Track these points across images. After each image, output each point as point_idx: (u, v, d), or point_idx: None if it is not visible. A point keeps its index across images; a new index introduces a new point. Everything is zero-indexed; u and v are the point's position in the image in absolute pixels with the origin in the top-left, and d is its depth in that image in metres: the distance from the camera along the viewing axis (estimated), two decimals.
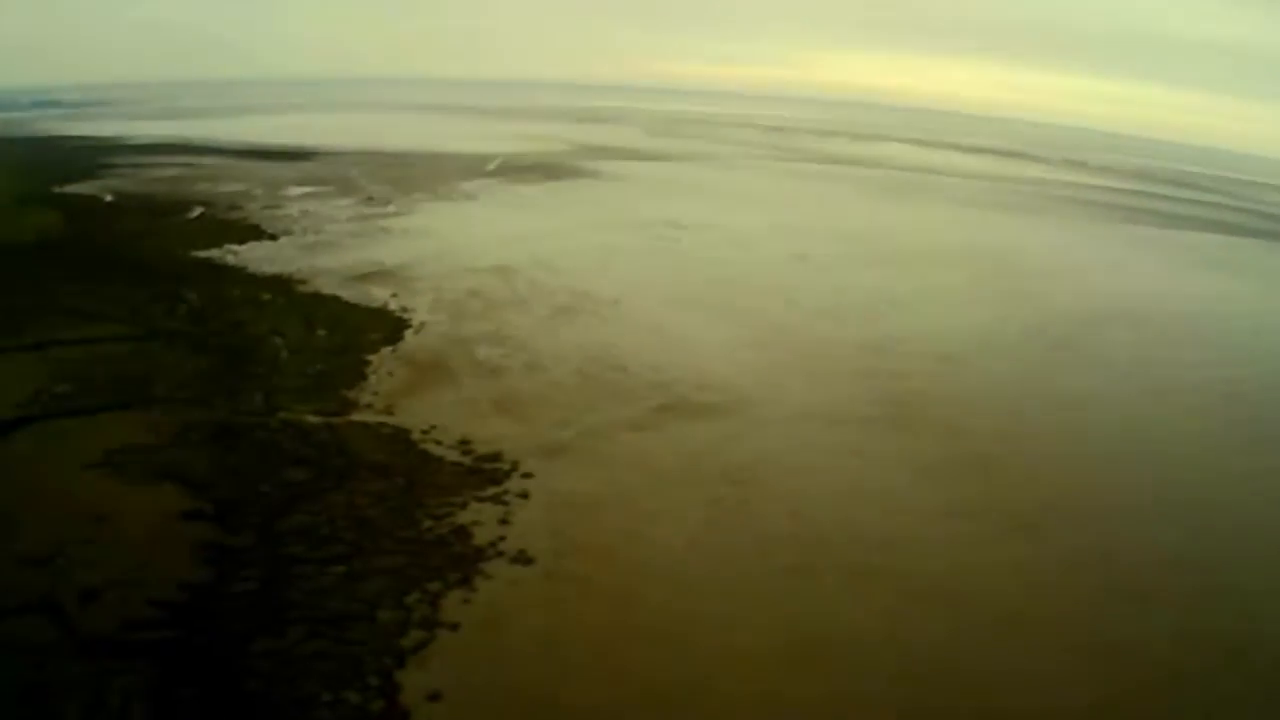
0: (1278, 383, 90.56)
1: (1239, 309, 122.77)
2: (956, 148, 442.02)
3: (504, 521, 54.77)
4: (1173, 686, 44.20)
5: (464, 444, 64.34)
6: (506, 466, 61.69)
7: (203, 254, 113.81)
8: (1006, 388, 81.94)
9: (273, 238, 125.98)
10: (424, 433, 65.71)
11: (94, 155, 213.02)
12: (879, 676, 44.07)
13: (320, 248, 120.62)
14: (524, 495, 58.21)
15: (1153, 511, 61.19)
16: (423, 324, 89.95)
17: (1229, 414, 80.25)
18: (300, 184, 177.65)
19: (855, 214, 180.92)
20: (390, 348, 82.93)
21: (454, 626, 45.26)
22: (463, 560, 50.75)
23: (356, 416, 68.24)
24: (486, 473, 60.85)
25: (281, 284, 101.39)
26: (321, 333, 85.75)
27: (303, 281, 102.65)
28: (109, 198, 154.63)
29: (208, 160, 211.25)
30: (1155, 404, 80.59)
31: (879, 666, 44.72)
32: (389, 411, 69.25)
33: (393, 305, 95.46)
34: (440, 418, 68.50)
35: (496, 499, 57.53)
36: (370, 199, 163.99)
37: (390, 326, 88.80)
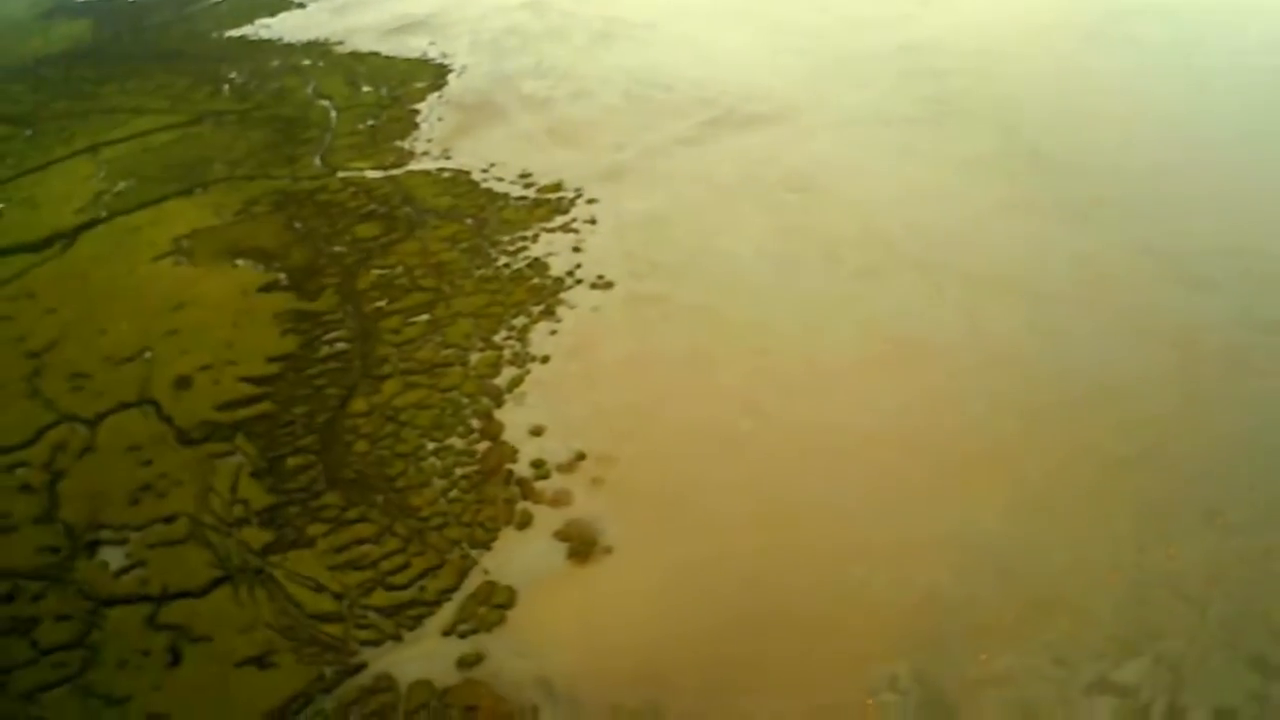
0: None
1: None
2: None
3: (577, 249, 51.98)
4: (1236, 370, 41.29)
5: (525, 177, 61.11)
6: (570, 194, 58.52)
7: (235, 33, 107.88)
8: (1045, 79, 76.04)
9: (301, 5, 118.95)
10: (484, 171, 62.47)
11: None
12: (963, 371, 41.55)
13: (351, 7, 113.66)
14: (591, 221, 55.24)
15: (1206, 200, 56.61)
16: (464, 67, 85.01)
17: (1266, 99, 74.09)
18: None
19: None
20: (437, 94, 78.46)
21: (545, 359, 43.14)
22: (543, 292, 48.27)
23: (415, 165, 65.01)
24: (552, 203, 57.79)
25: (319, 49, 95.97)
26: (366, 89, 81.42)
27: (339, 42, 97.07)
28: None
29: None
30: (1197, 92, 74.35)
31: (961, 360, 42.18)
32: (446, 156, 65.88)
33: (432, 53, 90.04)
34: (497, 154, 65.06)
35: (566, 227, 54.65)
36: None
37: (433, 73, 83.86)
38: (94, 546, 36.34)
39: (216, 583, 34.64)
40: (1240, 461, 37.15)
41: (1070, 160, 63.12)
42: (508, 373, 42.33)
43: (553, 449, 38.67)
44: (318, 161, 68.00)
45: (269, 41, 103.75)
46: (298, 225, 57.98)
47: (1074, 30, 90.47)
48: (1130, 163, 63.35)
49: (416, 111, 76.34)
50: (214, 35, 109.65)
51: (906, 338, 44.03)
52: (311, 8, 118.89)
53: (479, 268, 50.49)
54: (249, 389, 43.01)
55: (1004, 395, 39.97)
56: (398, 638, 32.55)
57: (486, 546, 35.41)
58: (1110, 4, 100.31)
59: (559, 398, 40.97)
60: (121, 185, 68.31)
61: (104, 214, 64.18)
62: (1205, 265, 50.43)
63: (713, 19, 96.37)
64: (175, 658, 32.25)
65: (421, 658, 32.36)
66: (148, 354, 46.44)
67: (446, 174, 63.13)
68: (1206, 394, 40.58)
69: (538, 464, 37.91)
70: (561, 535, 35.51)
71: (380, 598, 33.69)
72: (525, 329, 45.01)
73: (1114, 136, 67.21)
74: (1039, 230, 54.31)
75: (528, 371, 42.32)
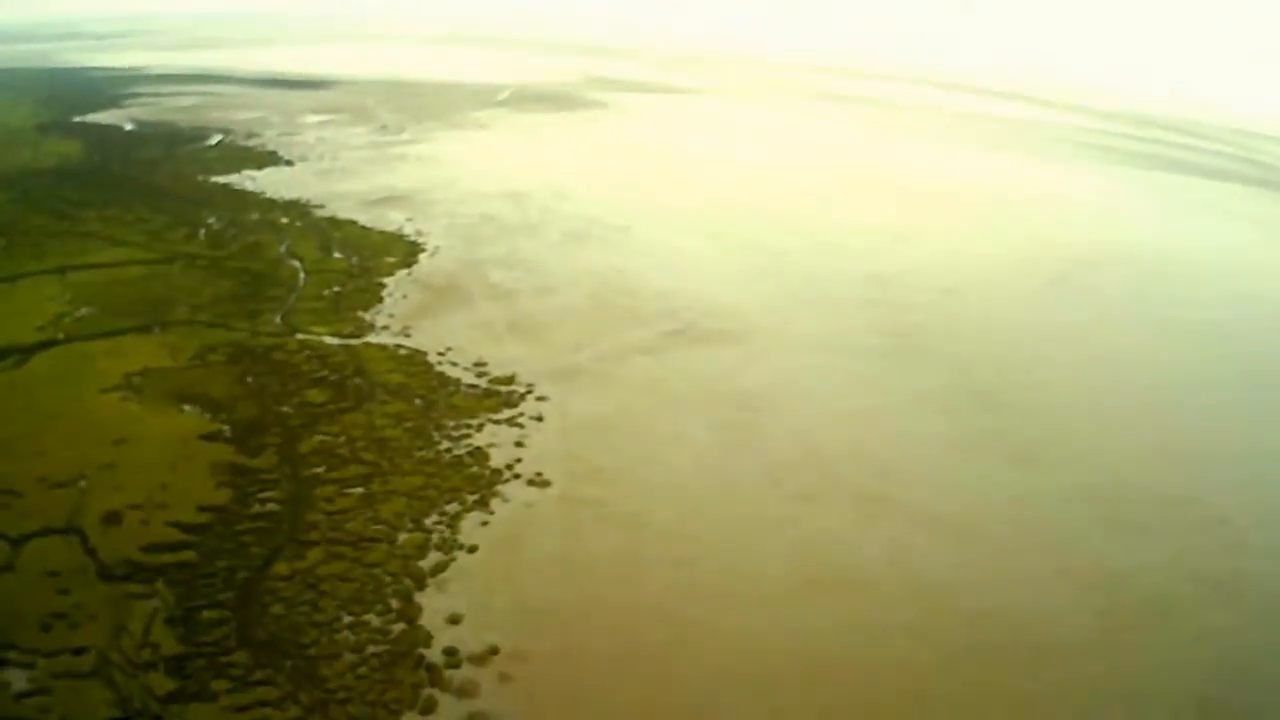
0: (1273, 325, 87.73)
1: (1232, 253, 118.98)
2: (968, 89, 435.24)
3: (519, 444, 52.88)
4: (1164, 616, 42.72)
5: (479, 366, 62.32)
6: (522, 389, 59.69)
7: (221, 179, 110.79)
8: (1006, 321, 79.66)
9: (290, 164, 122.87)
10: (440, 354, 63.69)
11: (115, 85, 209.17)
12: (884, 604, 42.48)
13: (336, 173, 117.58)
14: (538, 418, 56.28)
15: (1149, 445, 59.32)
16: (437, 248, 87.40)
17: (1222, 350, 77.97)
18: (317, 112, 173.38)
19: (857, 150, 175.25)
20: (406, 271, 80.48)
21: (472, 549, 43.52)
22: (480, 482, 48.94)
23: (374, 338, 66.18)
24: (502, 395, 58.87)
25: (299, 208, 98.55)
26: (338, 256, 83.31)
27: (320, 206, 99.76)
28: (129, 126, 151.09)
29: (226, 89, 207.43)
30: (1151, 340, 78.37)
31: (884, 594, 43.13)
32: (405, 334, 67.14)
33: (408, 229, 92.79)
34: (456, 340, 66.43)
35: (512, 421, 55.63)
36: (384, 127, 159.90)
37: (405, 250, 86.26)
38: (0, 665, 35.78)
39: None
40: (1154, 708, 37.91)
41: (1019, 402, 65.54)
42: (434, 557, 42.56)
43: (467, 639, 38.68)
44: (279, 320, 69.03)
45: (252, 193, 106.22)
46: (249, 380, 58.58)
47: (1037, 275, 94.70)
48: (1078, 408, 65.91)
49: (383, 285, 77.92)
50: (199, 178, 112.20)
51: (834, 565, 44.95)
52: (299, 167, 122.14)
53: (420, 449, 51.15)
54: (176, 534, 42.91)
55: (924, 631, 40.69)
56: None
57: None
58: (1075, 251, 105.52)
59: (481, 589, 41.15)
60: (84, 311, 68.78)
61: (62, 337, 64.50)
62: (1141, 513, 52.23)
63: (686, 230, 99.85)
64: None
65: None
66: (82, 483, 46.32)
67: (403, 351, 64.24)
68: (1127, 641, 41.49)
69: (450, 652, 37.88)
70: None
71: None
72: (457, 516, 45.44)
73: (1065, 382, 69.98)
74: (980, 470, 55.96)
75: (454, 559, 42.56)
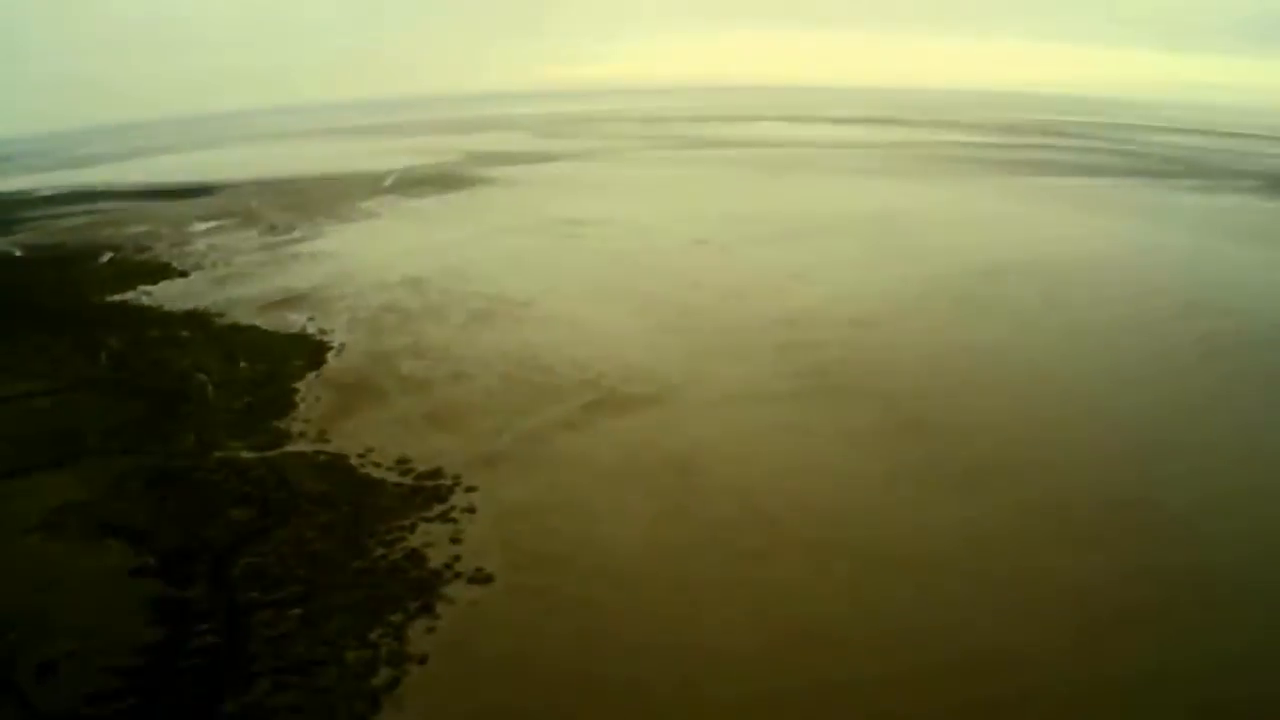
0: (1176, 313, 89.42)
1: (1122, 246, 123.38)
2: (828, 120, 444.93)
3: (455, 540, 50.79)
4: (1140, 625, 42.00)
5: (403, 463, 60.07)
6: (449, 482, 57.62)
7: (117, 298, 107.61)
8: (921, 346, 79.84)
9: (184, 274, 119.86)
10: (361, 456, 61.31)
11: None
12: (852, 655, 41.15)
13: (232, 279, 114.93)
14: (470, 510, 54.25)
15: (1088, 455, 59.33)
16: (343, 345, 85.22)
17: (1136, 345, 79.12)
18: (204, 219, 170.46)
19: (741, 194, 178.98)
20: (314, 372, 78.09)
21: (422, 659, 41.27)
22: (421, 586, 46.71)
23: (291, 447, 63.60)
24: (429, 490, 56.73)
25: (198, 319, 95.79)
26: (244, 364, 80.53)
27: (219, 315, 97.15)
28: (18, 252, 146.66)
29: (112, 205, 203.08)
30: (1066, 345, 79.31)
31: (850, 644, 41.83)
32: (323, 439, 64.66)
33: (310, 329, 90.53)
34: (375, 439, 64.10)
35: (444, 517, 53.51)
36: (274, 227, 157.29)
37: (311, 350, 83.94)
38: None
39: None
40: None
41: (951, 426, 65.22)
42: (384, 673, 40.22)
43: None
44: (192, 439, 65.98)
45: (150, 309, 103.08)
46: (170, 506, 55.69)
47: (943, 295, 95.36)
48: (1009, 424, 65.84)
49: (295, 390, 75.32)
50: (95, 299, 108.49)
51: (797, 623, 43.45)
52: (194, 276, 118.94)
53: (355, 559, 48.80)
54: (115, 681, 40.07)
55: (901, 685, 39.26)
56: None
57: None
58: (974, 265, 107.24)
59: (437, 702, 38.93)
60: None
61: None
62: (1092, 522, 51.62)
63: (589, 297, 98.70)
64: None
65: None
66: (11, 635, 43.27)
67: (323, 457, 61.77)
68: (1103, 651, 40.53)
69: None
70: None
71: None
72: (402, 626, 43.16)
73: (991, 398, 70.09)
74: (924, 499, 55.16)
75: (405, 672, 40.26)
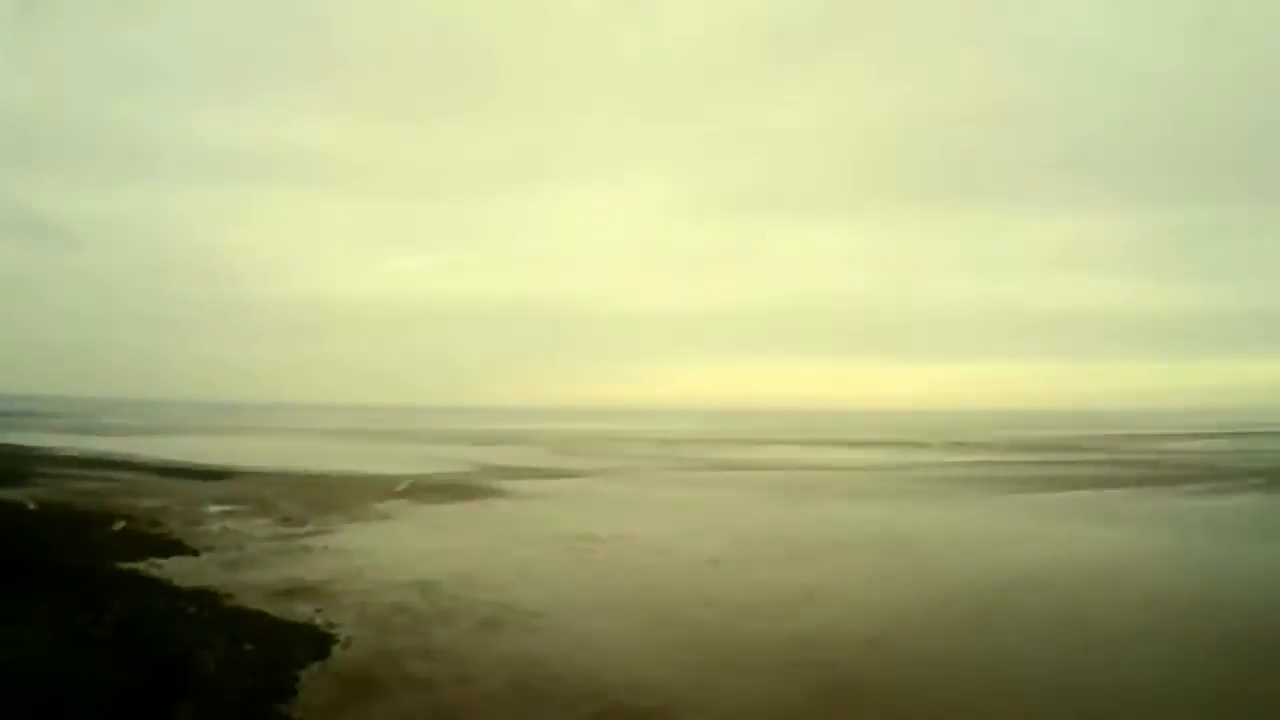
0: (1192, 614, 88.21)
1: (1136, 555, 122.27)
2: (841, 443, 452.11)
3: None
4: None
5: None
6: None
7: (127, 565, 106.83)
8: (934, 665, 78.58)
9: (195, 553, 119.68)
10: None
11: (15, 464, 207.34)
12: None
13: (242, 564, 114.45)
14: None
15: None
16: (349, 639, 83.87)
17: (1151, 652, 77.92)
18: (218, 502, 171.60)
19: (755, 515, 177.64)
20: (319, 663, 76.49)
21: None
22: None
23: None
24: None
25: (207, 598, 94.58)
26: (249, 647, 79.30)
27: (228, 595, 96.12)
28: (32, 505, 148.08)
29: (128, 475, 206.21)
30: (1078, 656, 77.71)
31: None
32: None
33: (318, 620, 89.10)
34: None
35: None
36: (287, 518, 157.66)
37: (317, 641, 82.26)
38: None
39: None
40: None
41: None
42: None
43: None
44: (191, 715, 65.06)
45: (159, 581, 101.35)
46: None
47: (956, 613, 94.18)
48: None
49: (297, 678, 73.64)
50: (105, 563, 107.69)
51: None
52: (205, 556, 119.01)
53: None
54: None
55: None
56: None
57: None
58: (990, 582, 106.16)
59: None
60: None
61: None
62: None
63: (600, 611, 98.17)
64: None
65: None
66: None
67: None
68: None
69: None
70: None
71: None
72: None
73: (1002, 714, 68.30)
74: None
75: None
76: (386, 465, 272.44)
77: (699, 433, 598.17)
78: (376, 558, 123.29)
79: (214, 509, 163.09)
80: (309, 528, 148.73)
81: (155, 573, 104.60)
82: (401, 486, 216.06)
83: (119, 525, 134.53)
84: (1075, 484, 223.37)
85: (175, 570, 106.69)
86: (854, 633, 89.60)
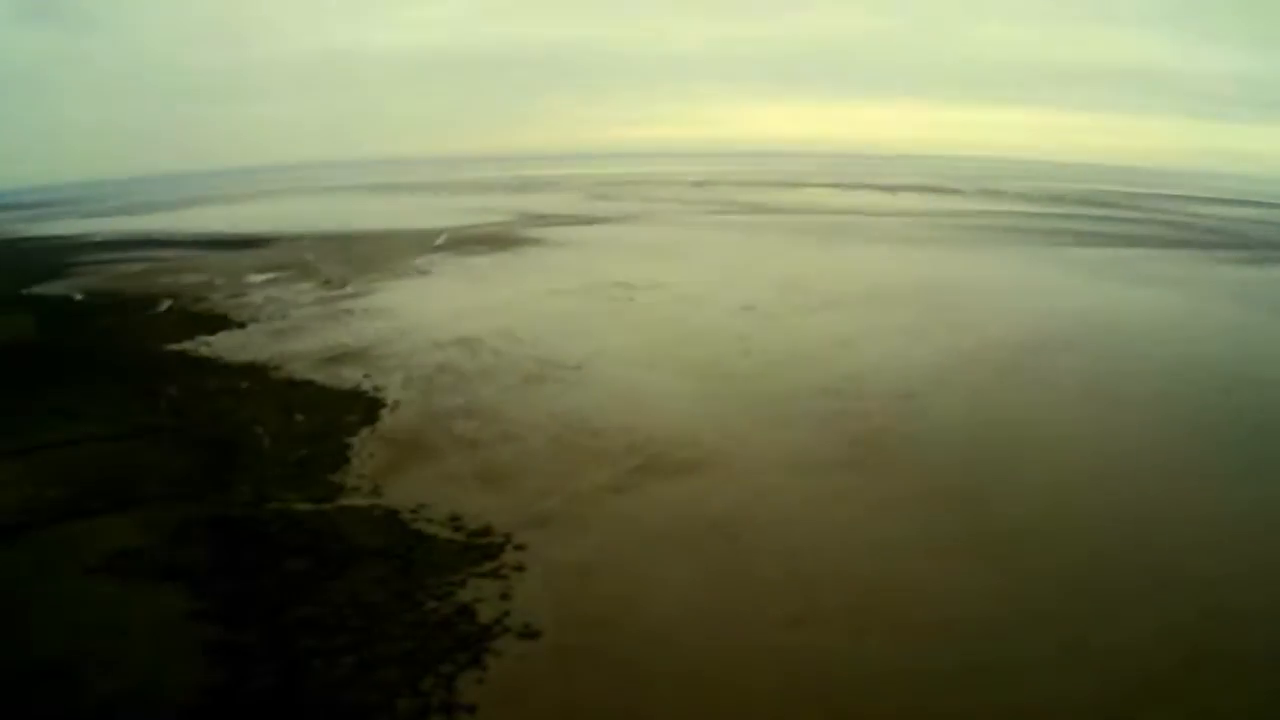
0: (1216, 386, 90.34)
1: (1165, 318, 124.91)
2: (876, 187, 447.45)
3: (505, 596, 52.66)
4: (1149, 688, 43.13)
5: (454, 520, 62.17)
6: (499, 540, 59.60)
7: (175, 347, 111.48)
8: (964, 417, 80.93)
9: (241, 326, 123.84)
10: (413, 512, 63.47)
11: (59, 255, 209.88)
12: None
13: (288, 333, 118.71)
14: (520, 568, 56.15)
15: (1122, 524, 60.24)
16: (397, 402, 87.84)
17: (1177, 417, 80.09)
18: (260, 271, 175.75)
19: (791, 260, 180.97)
20: (369, 428, 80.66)
21: (471, 709, 43.05)
22: (471, 639, 48.61)
23: (345, 500, 65.92)
24: (480, 548, 58.75)
25: (256, 372, 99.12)
26: (300, 418, 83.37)
27: (276, 368, 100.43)
28: (78, 296, 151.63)
29: (169, 253, 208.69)
30: (1106, 418, 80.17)
31: (889, 712, 43.07)
32: (377, 493, 66.97)
33: (365, 385, 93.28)
34: (427, 495, 66.25)
35: (494, 574, 55.44)
36: (329, 282, 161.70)
37: (366, 407, 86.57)
38: None
39: None
40: None
41: (991, 496, 66.07)
42: None
43: None
44: (250, 490, 68.46)
45: (209, 359, 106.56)
46: (228, 554, 58.03)
47: (987, 367, 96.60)
48: (1047, 494, 66.44)
49: (349, 445, 77.70)
50: (155, 346, 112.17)
51: (831, 689, 44.66)
52: (251, 329, 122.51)
53: (407, 611, 50.81)
54: None
55: None
56: None
57: None
58: (1020, 336, 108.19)
59: None
60: (54, 493, 67.97)
61: (33, 520, 63.72)
62: (1132, 592, 52.45)
63: (638, 362, 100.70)
64: None
65: None
66: (75, 673, 45.60)
67: (377, 511, 63.94)
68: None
69: None
70: None
71: None
72: (452, 677, 45.06)
73: (1032, 469, 70.83)
74: (961, 569, 56.00)
75: None
76: (423, 219, 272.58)
77: (732, 174, 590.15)
78: (419, 317, 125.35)
79: (256, 278, 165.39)
80: (350, 289, 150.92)
81: (204, 351, 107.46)
82: (439, 240, 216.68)
83: (164, 306, 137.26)
84: (1108, 241, 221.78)
85: (224, 346, 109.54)
86: (885, 383, 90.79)
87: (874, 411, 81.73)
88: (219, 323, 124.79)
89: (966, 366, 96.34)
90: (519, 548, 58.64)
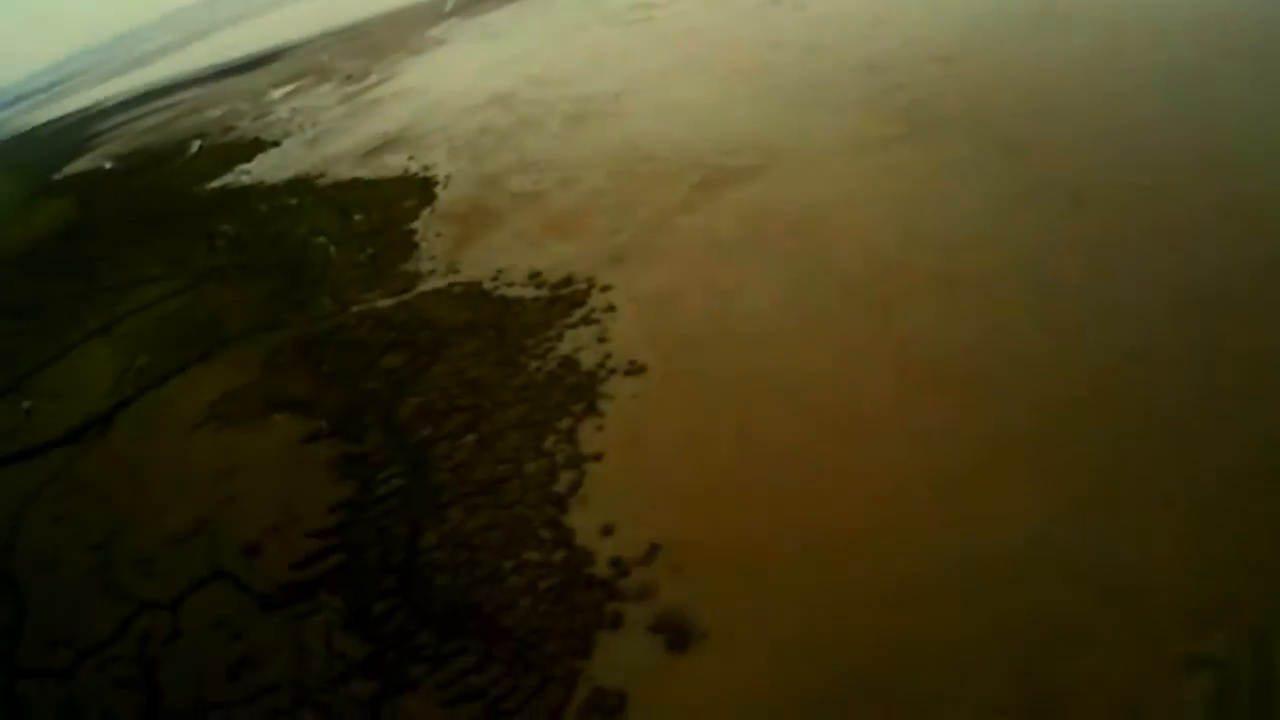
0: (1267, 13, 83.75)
1: None
2: None
3: (602, 339, 51.61)
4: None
5: (534, 277, 60.84)
6: (583, 285, 58.26)
7: (217, 184, 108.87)
8: (1008, 70, 75.83)
9: (276, 144, 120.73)
10: (493, 279, 62.21)
11: (80, 129, 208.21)
12: (985, 390, 41.26)
13: (323, 138, 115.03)
14: (610, 308, 54.90)
15: (1198, 165, 56.87)
16: (448, 176, 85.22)
17: (1221, 44, 74.70)
18: (279, 85, 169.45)
19: None
20: (428, 209, 78.57)
21: (598, 456, 42.79)
22: (581, 389, 47.98)
23: (424, 286, 64.86)
24: (566, 297, 57.55)
25: (302, 185, 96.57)
26: (359, 217, 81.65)
27: (321, 175, 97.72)
28: (108, 165, 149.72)
29: (185, 94, 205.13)
30: (1155, 51, 74.85)
31: (984, 370, 41.97)
32: (453, 270, 65.75)
33: (413, 168, 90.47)
34: (502, 259, 64.85)
35: (586, 319, 54.35)
36: (349, 77, 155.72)
37: (419, 188, 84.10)
38: None
39: None
40: None
41: (1049, 145, 61.74)
42: (565, 477, 41.88)
43: (626, 545, 38.17)
44: (328, 301, 68.08)
45: (251, 187, 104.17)
46: (325, 369, 57.74)
47: (1022, 13, 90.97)
48: (1104, 136, 63.17)
49: (413, 231, 76.26)
50: (196, 190, 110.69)
51: (938, 361, 43.64)
52: (285, 145, 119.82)
53: (512, 378, 50.29)
54: (317, 543, 42.81)
55: (1023, 396, 39.64)
56: None
57: (585, 654, 35.08)
58: None
59: (620, 493, 40.46)
60: (142, 360, 68.11)
61: (132, 392, 64.11)
62: (1197, 221, 50.30)
63: (673, 79, 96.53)
64: None
65: None
66: (210, 527, 46.38)
67: (458, 289, 62.89)
68: (1233, 388, 40.33)
69: (615, 562, 37.38)
70: (655, 628, 35.05)
71: None
72: (572, 429, 44.76)
73: (1084, 113, 67.03)
74: (1034, 222, 53.78)
75: (584, 473, 41.86)
76: None
77: None
78: (447, 87, 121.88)
79: (277, 94, 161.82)
80: (373, 79, 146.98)
81: (246, 180, 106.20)
82: (449, 6, 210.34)
83: (195, 148, 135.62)
84: None
85: (263, 169, 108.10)
86: (924, 53, 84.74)
87: (917, 81, 76.51)
88: (253, 148, 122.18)
89: (1000, 16, 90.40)
90: (604, 288, 57.25)
